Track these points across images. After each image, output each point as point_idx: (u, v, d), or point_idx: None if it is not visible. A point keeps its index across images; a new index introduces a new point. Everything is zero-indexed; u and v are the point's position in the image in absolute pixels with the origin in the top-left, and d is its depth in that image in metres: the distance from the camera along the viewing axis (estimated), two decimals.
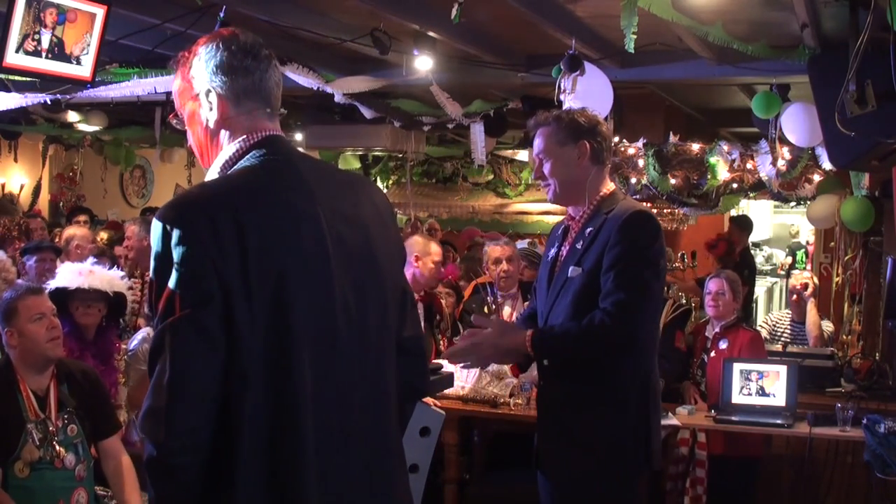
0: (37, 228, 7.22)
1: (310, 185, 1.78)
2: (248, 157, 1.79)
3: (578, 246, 2.79)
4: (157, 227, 1.67)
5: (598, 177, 2.84)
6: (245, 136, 1.81)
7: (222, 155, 1.83)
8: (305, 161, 1.87)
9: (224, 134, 1.83)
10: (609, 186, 2.88)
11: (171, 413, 1.62)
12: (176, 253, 1.63)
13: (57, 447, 3.20)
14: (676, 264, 6.66)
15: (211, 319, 1.62)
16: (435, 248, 4.94)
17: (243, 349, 1.64)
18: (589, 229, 2.78)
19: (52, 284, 4.02)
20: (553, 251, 2.93)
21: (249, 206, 1.67)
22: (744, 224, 8.37)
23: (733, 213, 8.62)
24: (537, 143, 2.88)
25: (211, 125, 1.83)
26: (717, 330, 5.00)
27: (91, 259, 4.46)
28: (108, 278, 4.12)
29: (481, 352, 2.84)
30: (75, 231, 6.27)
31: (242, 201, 1.68)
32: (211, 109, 1.82)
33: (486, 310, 4.95)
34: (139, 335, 4.37)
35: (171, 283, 1.64)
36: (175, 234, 1.63)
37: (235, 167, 1.80)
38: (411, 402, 2.11)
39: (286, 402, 1.67)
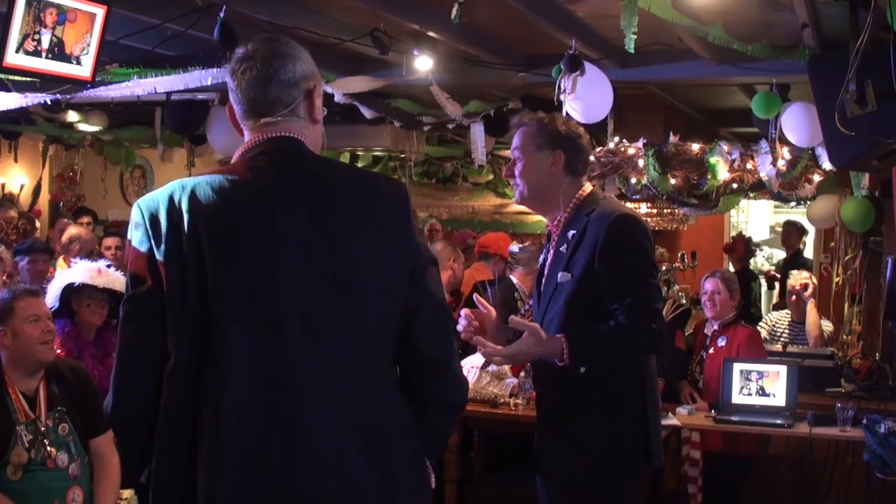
0: (61, 230, 6.78)
1: (277, 189, 1.81)
2: (241, 158, 1.89)
3: (563, 250, 2.78)
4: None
5: (572, 185, 2.83)
6: (249, 138, 1.91)
7: (235, 154, 1.93)
8: (295, 164, 1.87)
9: (245, 135, 1.93)
10: (586, 188, 2.86)
11: (115, 383, 1.83)
12: (131, 241, 1.84)
13: (48, 447, 3.17)
14: (676, 264, 6.65)
15: (148, 298, 1.79)
16: (459, 252, 5.88)
17: (177, 327, 1.77)
18: (571, 232, 2.77)
19: (66, 278, 4.02)
20: (542, 257, 2.94)
21: (195, 198, 1.79)
22: (800, 227, 8.37)
23: (788, 217, 8.72)
24: (516, 139, 2.88)
25: (238, 129, 1.96)
26: (715, 327, 5.01)
27: (104, 260, 4.47)
28: (120, 280, 4.15)
29: (516, 359, 3.02)
30: (79, 232, 6.25)
31: (192, 194, 1.80)
32: (232, 114, 1.95)
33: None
34: None
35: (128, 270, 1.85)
36: (132, 222, 1.83)
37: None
38: (444, 413, 2.02)
39: (209, 381, 1.76)
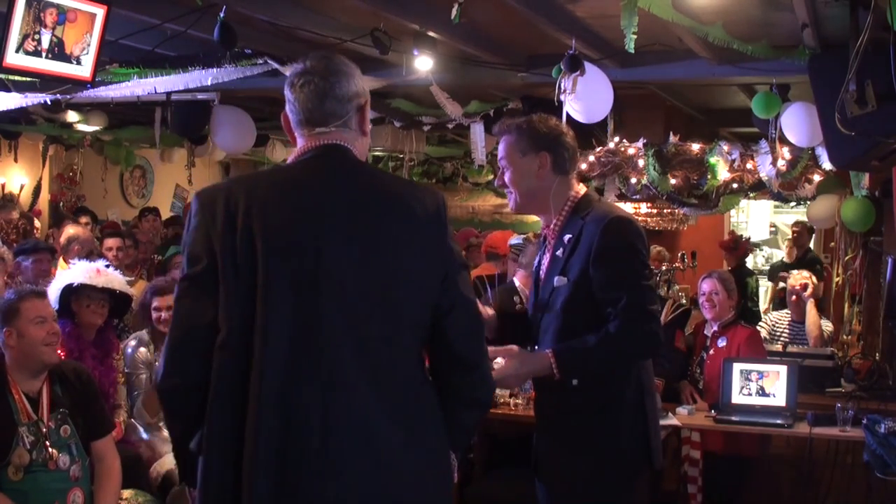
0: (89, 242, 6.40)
1: (326, 186, 1.99)
2: (296, 160, 2.07)
3: (559, 254, 2.76)
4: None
5: (563, 185, 2.81)
6: (302, 144, 2.08)
7: (289, 158, 2.11)
8: (343, 166, 2.04)
9: (297, 141, 2.11)
10: (579, 189, 2.85)
11: (167, 353, 1.97)
12: (190, 227, 1.99)
13: (50, 449, 3.18)
14: (676, 264, 6.66)
15: (203, 277, 1.93)
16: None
17: (230, 304, 1.91)
18: (567, 236, 2.76)
19: (65, 278, 4.03)
20: (537, 260, 2.92)
21: (251, 190, 1.98)
22: (810, 228, 8.34)
23: (800, 218, 8.69)
24: (500, 149, 2.87)
25: (291, 136, 2.14)
26: (715, 328, 5.01)
27: (102, 260, 4.48)
28: (119, 280, 4.17)
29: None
30: (77, 232, 6.25)
31: (248, 186, 2.00)
32: (287, 123, 2.13)
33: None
34: (132, 341, 4.38)
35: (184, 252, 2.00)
36: (192, 210, 2.00)
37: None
38: (471, 410, 2.16)
39: (256, 358, 1.89)
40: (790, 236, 8.82)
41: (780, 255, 12.45)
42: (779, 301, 7.82)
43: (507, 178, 2.84)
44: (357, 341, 1.92)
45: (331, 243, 1.93)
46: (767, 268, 12.09)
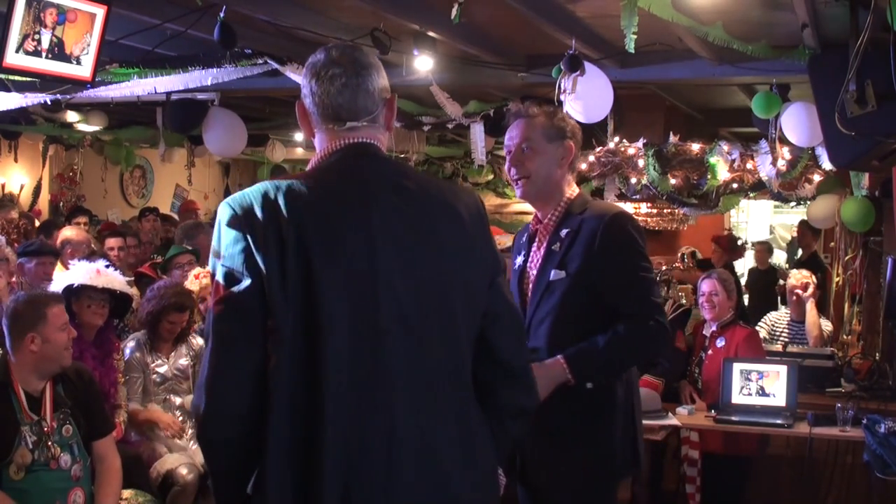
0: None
1: (369, 191, 1.83)
2: (326, 160, 1.90)
3: (555, 248, 2.74)
4: (217, 214, 1.82)
5: (568, 181, 2.82)
6: (329, 141, 1.91)
7: (314, 157, 1.94)
8: (382, 167, 1.90)
9: (317, 137, 1.94)
10: (574, 189, 2.84)
11: (209, 385, 1.74)
12: (223, 239, 1.78)
13: (52, 448, 3.18)
14: (676, 264, 6.66)
15: (246, 299, 1.73)
16: None
17: (279, 329, 1.73)
18: (564, 231, 2.74)
19: (66, 280, 4.02)
20: (521, 258, 2.87)
21: (292, 199, 1.77)
22: (814, 228, 8.25)
23: (802, 218, 8.66)
24: (522, 132, 2.75)
25: (308, 129, 1.97)
26: (714, 328, 5.01)
27: (102, 261, 4.48)
28: (119, 281, 4.17)
29: None
30: (71, 234, 6.23)
31: (288, 194, 1.78)
32: (304, 115, 1.96)
33: None
34: (130, 342, 4.38)
35: (218, 268, 1.78)
36: (223, 220, 1.78)
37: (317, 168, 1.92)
38: (518, 420, 2.04)
39: (313, 383, 1.73)
40: (761, 241, 8.74)
41: (781, 255, 12.47)
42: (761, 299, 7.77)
43: (526, 161, 2.75)
44: (419, 361, 1.81)
45: (384, 254, 1.79)
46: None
